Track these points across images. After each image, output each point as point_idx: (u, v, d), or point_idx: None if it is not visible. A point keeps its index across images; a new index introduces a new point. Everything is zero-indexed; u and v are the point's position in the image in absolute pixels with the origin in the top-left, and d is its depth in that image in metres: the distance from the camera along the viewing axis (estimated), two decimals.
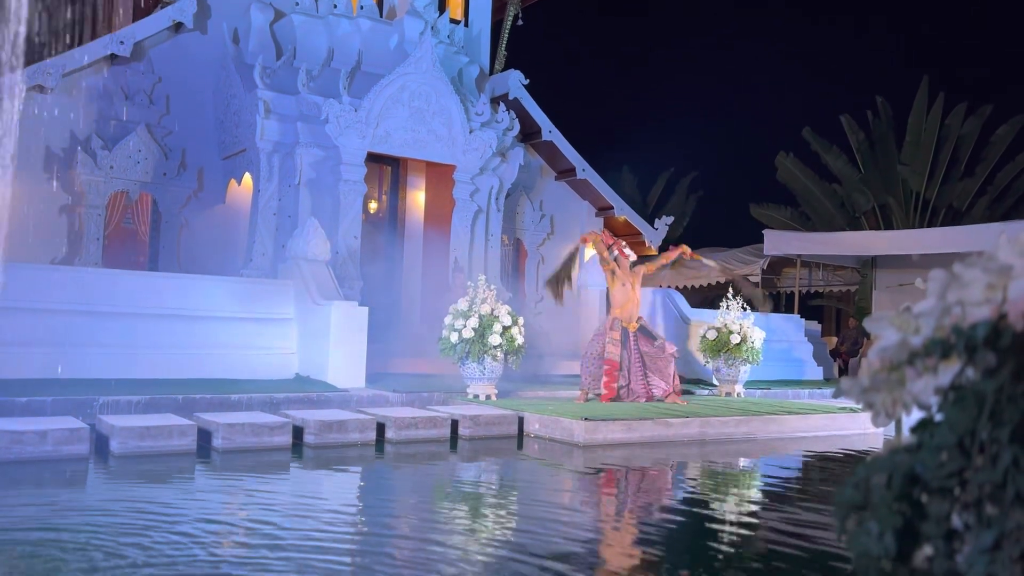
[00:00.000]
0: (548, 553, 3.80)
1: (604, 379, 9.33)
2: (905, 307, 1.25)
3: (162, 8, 11.94)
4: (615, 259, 9.77)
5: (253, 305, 9.31)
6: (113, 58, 11.57)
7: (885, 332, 1.26)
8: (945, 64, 30.83)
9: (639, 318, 9.85)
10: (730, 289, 11.61)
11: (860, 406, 1.26)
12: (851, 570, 1.24)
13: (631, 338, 9.55)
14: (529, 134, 14.83)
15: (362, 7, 13.09)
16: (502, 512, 5.08)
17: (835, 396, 1.30)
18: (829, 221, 21.19)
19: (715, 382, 11.18)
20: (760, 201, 22.51)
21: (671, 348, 9.75)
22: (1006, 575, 1.05)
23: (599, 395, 9.31)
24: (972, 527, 1.12)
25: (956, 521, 1.14)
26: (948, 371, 1.17)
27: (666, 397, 9.44)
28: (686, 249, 10.40)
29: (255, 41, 12.53)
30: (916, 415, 1.23)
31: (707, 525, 4.80)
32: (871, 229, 19.95)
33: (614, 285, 9.79)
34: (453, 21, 14.28)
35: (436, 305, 10.59)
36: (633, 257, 9.92)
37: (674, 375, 9.63)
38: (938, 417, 1.18)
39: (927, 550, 1.16)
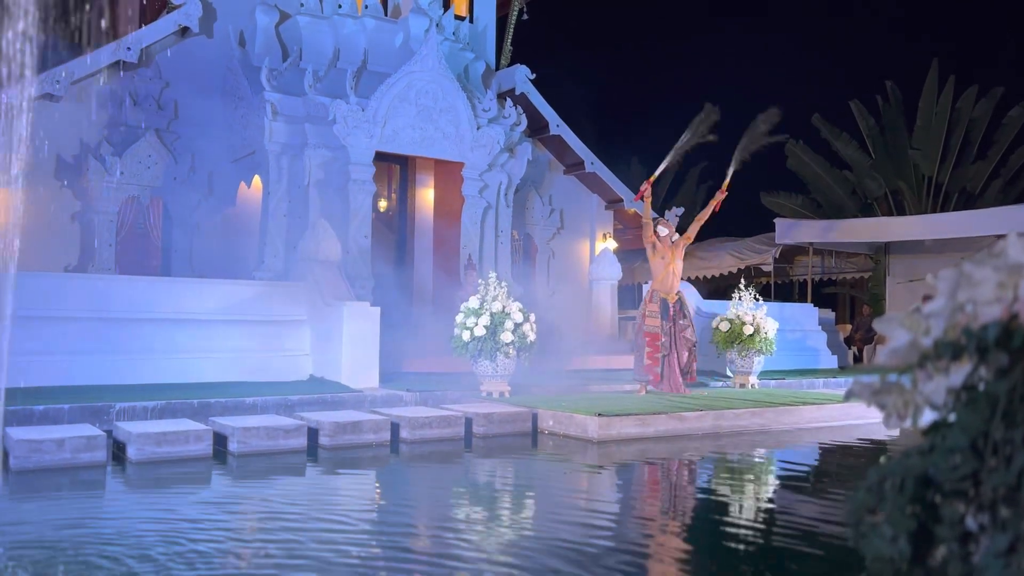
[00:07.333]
0: (572, 545, 3.80)
1: (647, 350, 9.39)
2: (915, 307, 1.24)
3: (168, 13, 11.99)
4: (655, 231, 9.84)
5: (266, 307, 9.34)
6: (121, 64, 11.62)
7: (896, 333, 1.24)
8: (955, 46, 30.53)
9: (678, 292, 9.81)
10: (741, 280, 11.54)
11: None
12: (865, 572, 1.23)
13: (671, 309, 9.60)
14: (537, 129, 14.81)
15: (367, 6, 13.09)
16: (523, 508, 5.08)
17: (846, 399, 1.28)
18: (840, 208, 21.04)
19: (729, 373, 11.14)
20: (771, 189, 22.37)
21: (689, 333, 9.72)
22: None
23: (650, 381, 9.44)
24: (987, 529, 1.10)
25: (971, 523, 1.12)
26: (960, 372, 1.16)
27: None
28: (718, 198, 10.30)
29: (261, 43, 12.57)
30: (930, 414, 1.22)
31: (724, 518, 4.79)
32: (883, 215, 19.80)
33: (653, 258, 9.80)
34: (458, 17, 14.26)
35: (448, 303, 10.59)
36: (667, 231, 9.91)
37: (689, 362, 9.64)
38: (951, 418, 1.16)
39: (942, 552, 1.15)
